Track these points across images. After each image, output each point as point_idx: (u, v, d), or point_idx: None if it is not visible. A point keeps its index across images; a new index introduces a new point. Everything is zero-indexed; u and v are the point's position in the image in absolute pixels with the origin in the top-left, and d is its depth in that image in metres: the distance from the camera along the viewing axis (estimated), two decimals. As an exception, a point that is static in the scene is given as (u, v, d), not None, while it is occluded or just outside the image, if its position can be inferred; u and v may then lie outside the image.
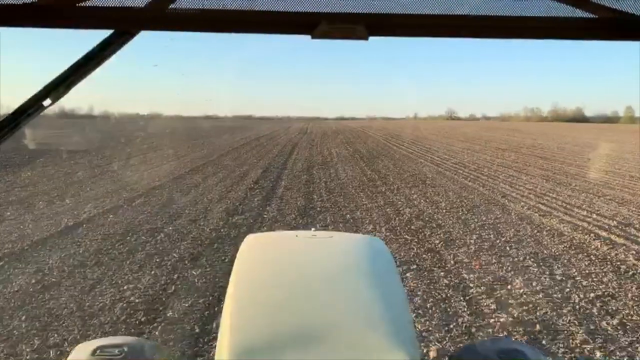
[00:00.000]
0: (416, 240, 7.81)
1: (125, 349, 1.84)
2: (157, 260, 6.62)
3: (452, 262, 6.69)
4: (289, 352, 1.34)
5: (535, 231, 8.46)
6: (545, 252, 7.20)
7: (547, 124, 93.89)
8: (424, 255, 6.97)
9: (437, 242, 7.69)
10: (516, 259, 6.84)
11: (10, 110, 1.17)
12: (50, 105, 1.15)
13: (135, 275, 5.99)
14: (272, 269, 1.91)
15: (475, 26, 1.12)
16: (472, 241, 7.75)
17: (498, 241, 7.79)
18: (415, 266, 6.45)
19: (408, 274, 6.08)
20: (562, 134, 46.53)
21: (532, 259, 6.79)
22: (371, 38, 1.04)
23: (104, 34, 1.15)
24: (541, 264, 6.61)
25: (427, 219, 9.37)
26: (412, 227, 8.70)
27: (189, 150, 24.37)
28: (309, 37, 1.04)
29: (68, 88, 1.17)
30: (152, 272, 6.14)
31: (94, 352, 1.81)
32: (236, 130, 49.07)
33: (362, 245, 2.22)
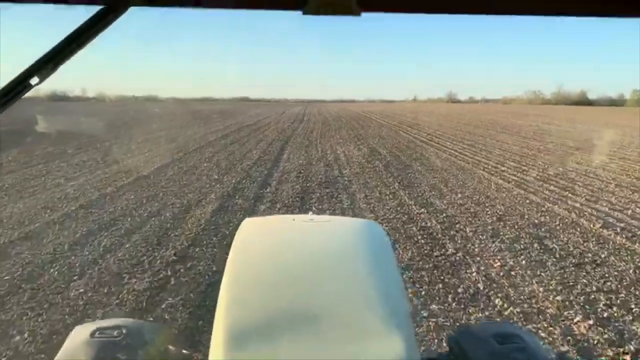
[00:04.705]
0: None
1: (124, 330, 1.80)
2: None
3: None
4: (285, 336, 1.33)
5: None
6: None
7: (552, 107, 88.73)
8: None
9: None
10: None
11: None
12: (38, 84, 1.02)
13: None
14: (269, 253, 1.87)
15: (475, 2, 0.92)
16: None
17: None
18: None
19: None
20: (597, 120, 39.19)
21: None
22: (365, 14, 0.90)
23: (92, 9, 1.00)
24: None
25: None
26: None
27: (137, 148, 16.90)
28: (300, 12, 0.89)
29: (56, 66, 1.03)
30: None
31: (92, 334, 1.78)
32: (220, 116, 41.33)
33: (360, 230, 2.16)
